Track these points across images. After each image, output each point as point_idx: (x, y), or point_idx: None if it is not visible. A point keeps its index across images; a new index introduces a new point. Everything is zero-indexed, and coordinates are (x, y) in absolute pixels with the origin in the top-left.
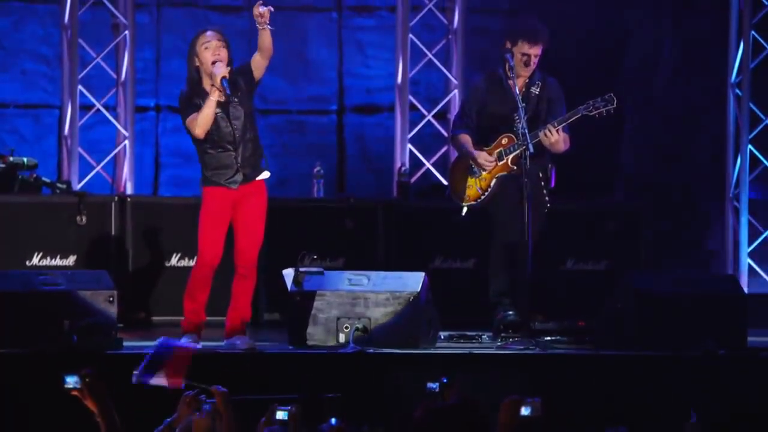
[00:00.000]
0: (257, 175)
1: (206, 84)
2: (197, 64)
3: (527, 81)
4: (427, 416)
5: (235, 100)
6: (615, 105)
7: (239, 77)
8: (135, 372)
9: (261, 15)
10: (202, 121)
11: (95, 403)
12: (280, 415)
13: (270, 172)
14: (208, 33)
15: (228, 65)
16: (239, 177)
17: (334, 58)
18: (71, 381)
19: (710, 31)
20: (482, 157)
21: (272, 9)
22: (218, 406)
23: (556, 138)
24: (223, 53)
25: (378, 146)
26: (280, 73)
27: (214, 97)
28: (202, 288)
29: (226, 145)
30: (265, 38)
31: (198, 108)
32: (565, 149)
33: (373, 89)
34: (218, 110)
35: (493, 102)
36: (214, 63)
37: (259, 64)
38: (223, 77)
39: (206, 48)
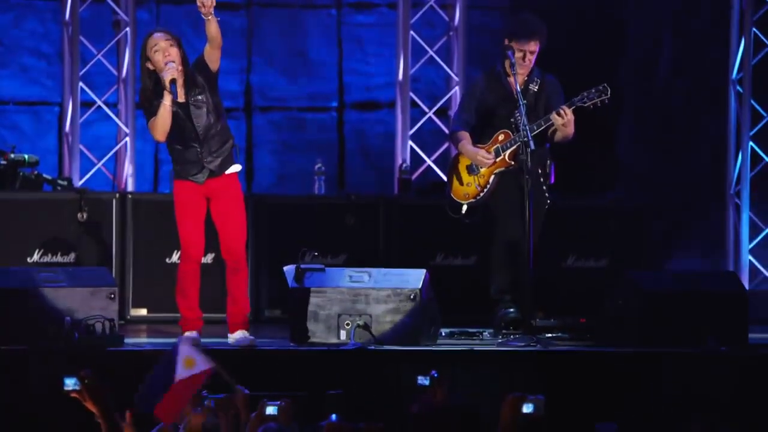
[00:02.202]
0: (226, 169)
1: (163, 84)
2: (151, 67)
3: (526, 78)
4: (425, 415)
5: (195, 99)
6: (609, 95)
7: (197, 72)
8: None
9: (203, 5)
10: (158, 127)
11: (95, 404)
12: (270, 410)
13: (241, 165)
14: (155, 35)
15: (183, 62)
16: (205, 173)
17: (333, 55)
18: (70, 383)
19: (710, 27)
20: (480, 153)
21: (213, 2)
22: (239, 406)
23: (570, 117)
24: (173, 52)
25: (378, 143)
26: (280, 71)
27: (166, 101)
28: (191, 283)
29: (190, 143)
30: (212, 28)
31: (156, 110)
32: (573, 134)
33: (372, 86)
34: (179, 110)
35: (492, 99)
36: (166, 65)
37: (211, 55)
38: (172, 80)
39: (156, 51)
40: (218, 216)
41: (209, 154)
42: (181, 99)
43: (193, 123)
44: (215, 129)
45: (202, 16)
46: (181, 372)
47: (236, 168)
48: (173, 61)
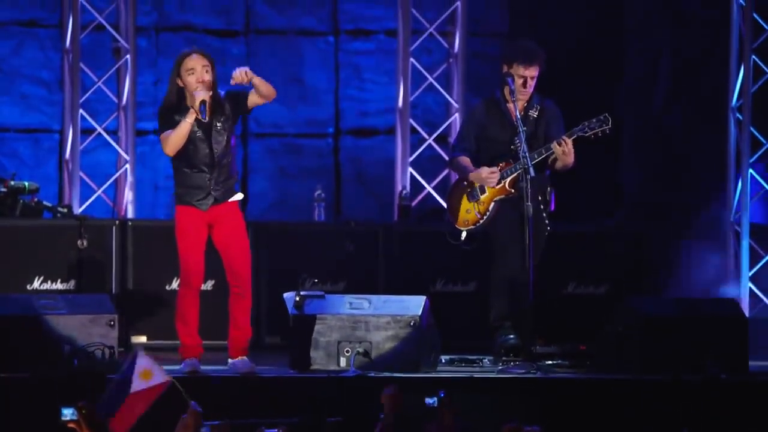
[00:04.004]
0: (229, 197)
1: (189, 103)
2: (180, 84)
3: (525, 104)
4: None
5: (218, 125)
6: (610, 125)
7: (228, 102)
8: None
9: (242, 77)
10: (173, 141)
11: None
12: None
13: (242, 194)
14: (194, 56)
15: (211, 88)
16: (210, 200)
17: (330, 81)
18: (67, 413)
19: (709, 51)
20: (484, 171)
21: (248, 69)
22: (188, 423)
23: (570, 146)
24: (207, 78)
25: (374, 169)
26: (276, 97)
27: (190, 119)
28: (190, 310)
29: (201, 167)
30: (262, 89)
31: (175, 125)
32: (573, 163)
33: (369, 112)
34: (199, 132)
35: (491, 126)
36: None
37: (256, 101)
38: (202, 101)
39: (191, 74)
40: (222, 242)
41: (217, 182)
42: (203, 121)
43: (211, 147)
44: (227, 159)
45: (245, 84)
46: (138, 384)
47: (239, 196)
48: (205, 85)
